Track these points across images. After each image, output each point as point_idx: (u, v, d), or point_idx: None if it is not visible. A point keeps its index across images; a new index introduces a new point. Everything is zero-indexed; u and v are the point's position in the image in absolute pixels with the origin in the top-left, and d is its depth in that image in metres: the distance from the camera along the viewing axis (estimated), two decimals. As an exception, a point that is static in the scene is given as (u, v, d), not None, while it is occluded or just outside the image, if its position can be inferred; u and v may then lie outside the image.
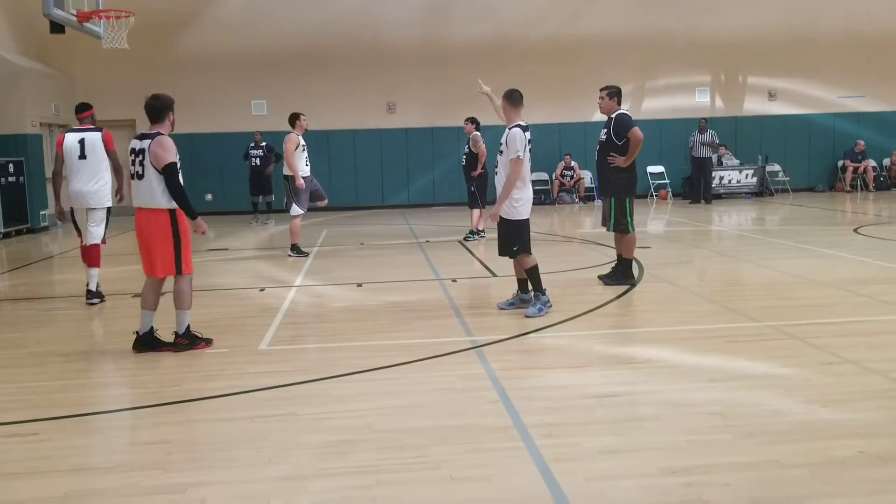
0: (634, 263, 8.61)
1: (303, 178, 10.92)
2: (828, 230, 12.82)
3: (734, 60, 20.42)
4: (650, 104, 20.20)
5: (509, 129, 6.92)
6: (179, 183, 5.84)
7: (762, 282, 8.40)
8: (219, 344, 6.15)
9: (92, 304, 8.02)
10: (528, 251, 6.96)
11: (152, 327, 6.05)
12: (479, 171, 12.26)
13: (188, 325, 6.05)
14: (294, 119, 11.12)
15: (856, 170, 20.22)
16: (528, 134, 6.91)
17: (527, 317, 6.74)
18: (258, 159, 16.60)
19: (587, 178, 19.62)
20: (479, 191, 12.36)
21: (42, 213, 16.27)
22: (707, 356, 5.50)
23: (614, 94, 8.13)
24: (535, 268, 6.94)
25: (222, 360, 5.76)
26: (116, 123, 19.09)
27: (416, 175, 19.80)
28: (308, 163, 11.12)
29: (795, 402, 4.47)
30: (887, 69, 20.29)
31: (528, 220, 6.99)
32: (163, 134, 5.86)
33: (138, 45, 16.76)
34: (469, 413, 4.44)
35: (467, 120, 12.52)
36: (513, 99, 7.01)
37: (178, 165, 5.86)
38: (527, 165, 6.95)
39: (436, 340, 6.09)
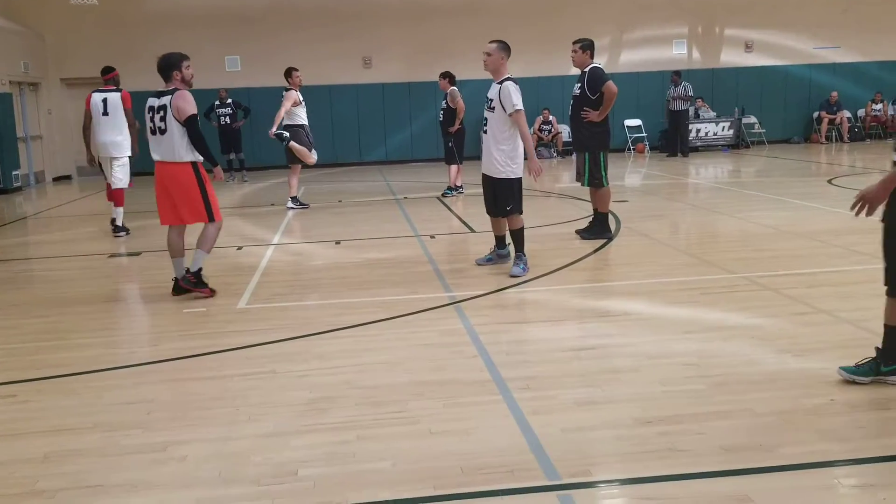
0: (611, 217, 8.65)
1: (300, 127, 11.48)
2: (802, 182, 12.92)
3: (711, 12, 20.32)
4: (627, 57, 20.10)
5: (499, 83, 6.64)
6: (200, 133, 6.14)
7: (737, 234, 8.47)
8: (197, 303, 6.14)
9: (118, 236, 9.58)
10: (520, 210, 6.79)
11: (200, 269, 6.41)
12: (456, 126, 12.18)
13: (200, 268, 6.37)
14: (287, 75, 11.51)
15: (831, 121, 20.32)
16: None
17: (511, 276, 6.66)
18: (227, 117, 16.44)
19: (564, 132, 19.55)
20: (456, 147, 12.29)
21: (14, 173, 15.98)
22: (682, 308, 5.57)
23: (587, 47, 8.02)
24: (523, 229, 6.84)
25: (200, 319, 5.75)
26: (86, 81, 18.72)
27: (393, 131, 19.64)
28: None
29: (768, 351, 4.55)
30: (862, 20, 20.27)
31: (521, 178, 6.83)
32: (180, 89, 6.13)
33: (108, 1, 16.40)
34: (448, 368, 4.48)
35: (442, 75, 12.40)
36: (509, 50, 6.76)
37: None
38: None
39: (414, 297, 6.11)
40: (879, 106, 20.53)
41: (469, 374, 4.36)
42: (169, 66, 6.13)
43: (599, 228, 8.27)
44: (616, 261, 7.45)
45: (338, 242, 8.81)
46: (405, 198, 12.69)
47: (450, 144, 12.38)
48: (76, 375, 4.60)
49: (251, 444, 3.55)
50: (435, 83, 20.12)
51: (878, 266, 6.57)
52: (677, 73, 18.67)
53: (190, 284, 6.31)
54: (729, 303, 5.63)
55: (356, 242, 8.81)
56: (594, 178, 8.09)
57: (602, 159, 8.06)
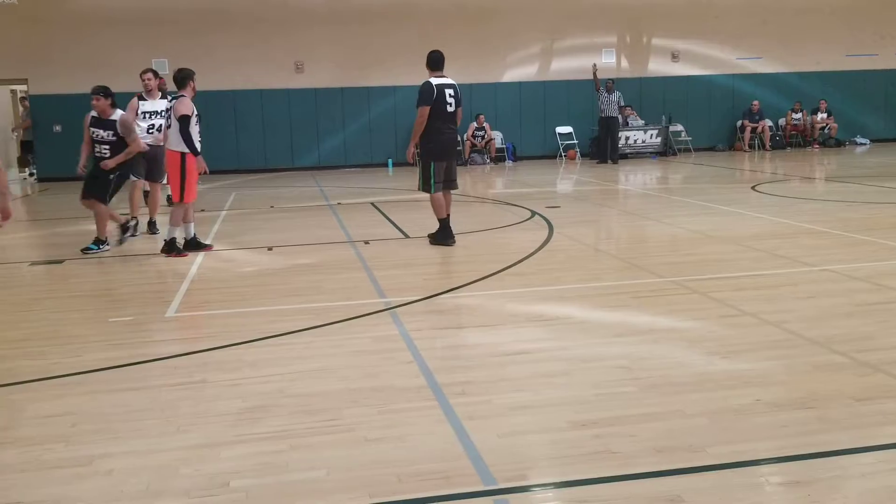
0: (544, 221, 8.74)
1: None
2: (727, 188, 13.31)
3: (638, 22, 20.78)
4: (558, 65, 20.39)
5: None
6: (188, 130, 8.04)
7: (665, 238, 8.67)
8: (123, 312, 5.96)
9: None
10: None
11: (195, 235, 8.55)
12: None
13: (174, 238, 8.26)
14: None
15: (753, 130, 21.01)
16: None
17: None
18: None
19: (498, 138, 19.76)
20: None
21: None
22: (613, 312, 5.66)
23: (427, 61, 8.39)
24: None
25: (127, 328, 5.58)
26: (5, 83, 18.08)
27: (326, 136, 19.47)
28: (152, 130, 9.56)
29: (697, 353, 4.65)
30: (782, 32, 21.05)
31: None
32: (184, 96, 8.10)
33: (28, 1, 15.83)
34: (383, 374, 4.45)
35: (98, 93, 8.61)
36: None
37: (195, 121, 8.16)
38: None
39: (349, 303, 6.06)
40: (799, 115, 21.33)
41: (404, 380, 4.34)
42: (183, 78, 8.20)
43: (442, 235, 8.43)
44: (549, 265, 7.53)
45: (270, 249, 8.68)
46: (339, 203, 12.58)
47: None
48: (-7, 388, 4.41)
49: (181, 456, 3.45)
50: (368, 88, 20.12)
51: (798, 269, 6.82)
52: (612, 80, 19.02)
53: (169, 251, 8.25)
54: (658, 306, 5.75)
55: (289, 248, 8.69)
56: (425, 184, 8.37)
57: (431, 169, 8.31)
